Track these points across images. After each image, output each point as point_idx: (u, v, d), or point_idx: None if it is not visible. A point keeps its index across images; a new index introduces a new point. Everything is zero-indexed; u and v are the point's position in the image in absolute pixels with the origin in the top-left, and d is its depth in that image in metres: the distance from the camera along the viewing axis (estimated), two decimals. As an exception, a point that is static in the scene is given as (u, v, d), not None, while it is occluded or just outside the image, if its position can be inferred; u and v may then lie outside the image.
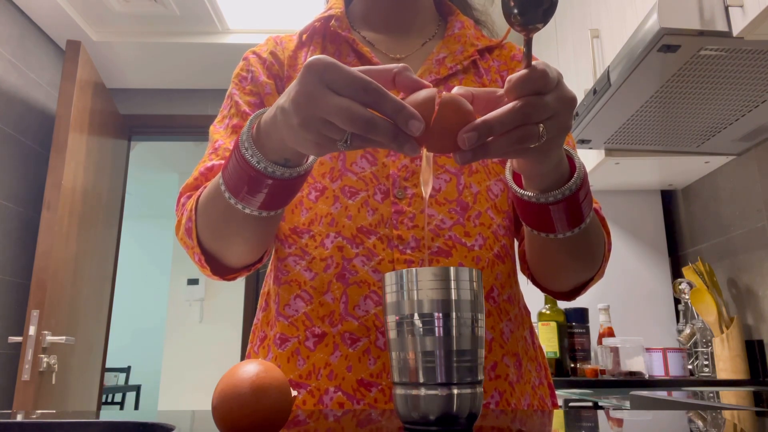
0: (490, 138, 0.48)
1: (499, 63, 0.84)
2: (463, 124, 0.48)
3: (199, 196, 0.69)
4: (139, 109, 3.33)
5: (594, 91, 1.63)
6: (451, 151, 0.49)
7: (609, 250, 0.75)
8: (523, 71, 0.48)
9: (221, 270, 0.73)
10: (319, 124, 0.48)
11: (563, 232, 0.61)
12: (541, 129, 0.49)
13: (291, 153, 0.55)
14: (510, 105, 0.48)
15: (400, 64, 0.50)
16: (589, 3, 1.98)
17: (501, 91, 0.51)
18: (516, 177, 0.64)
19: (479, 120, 0.47)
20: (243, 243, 0.67)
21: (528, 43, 0.49)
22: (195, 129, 3.32)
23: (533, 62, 0.49)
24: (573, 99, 0.51)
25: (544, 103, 0.48)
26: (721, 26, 1.24)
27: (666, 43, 1.28)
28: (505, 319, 0.73)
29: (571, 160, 0.60)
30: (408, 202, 0.71)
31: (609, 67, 1.53)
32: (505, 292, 0.75)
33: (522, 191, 0.60)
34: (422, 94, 0.48)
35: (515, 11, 0.48)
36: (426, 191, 0.52)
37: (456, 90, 0.50)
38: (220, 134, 0.78)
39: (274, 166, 0.56)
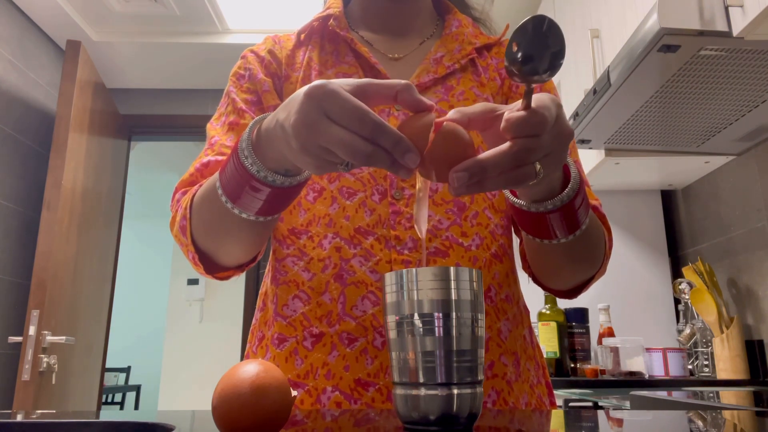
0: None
1: (498, 60, 0.84)
2: (459, 156, 0.47)
3: (195, 194, 0.69)
4: (139, 109, 3.33)
5: (594, 91, 1.63)
6: (445, 181, 0.48)
7: (610, 248, 0.75)
8: (522, 113, 0.46)
9: (214, 268, 0.72)
10: (319, 151, 0.48)
11: (560, 238, 0.61)
12: (538, 168, 0.48)
13: (291, 165, 0.55)
14: (505, 147, 0.47)
15: (404, 82, 0.49)
16: (589, 3, 1.98)
17: (499, 108, 0.50)
18: None
19: (473, 160, 0.47)
20: (237, 244, 0.67)
21: (529, 90, 0.47)
22: (195, 129, 3.31)
23: (538, 96, 0.48)
24: (569, 135, 0.50)
25: (540, 145, 0.47)
26: (721, 26, 1.24)
27: (666, 43, 1.28)
28: (503, 318, 0.73)
29: (565, 167, 0.60)
30: (405, 203, 0.71)
31: (609, 67, 1.53)
32: (503, 291, 0.75)
33: (516, 200, 0.60)
34: (420, 122, 0.48)
35: (519, 63, 0.45)
36: (421, 231, 0.51)
37: (451, 114, 0.49)
38: (216, 131, 0.78)
39: (274, 175, 0.55)
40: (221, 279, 0.74)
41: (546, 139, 0.47)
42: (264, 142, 0.55)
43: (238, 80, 0.81)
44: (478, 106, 0.50)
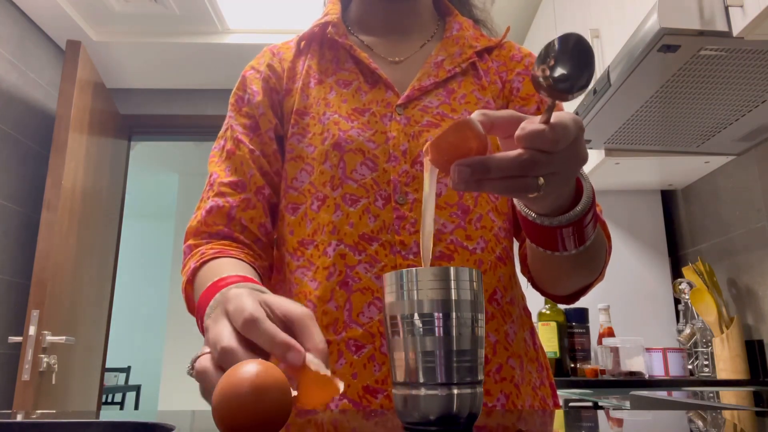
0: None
1: (498, 63, 0.83)
2: (469, 150, 0.47)
3: (194, 281, 0.69)
4: (139, 109, 3.33)
5: (594, 91, 1.63)
6: (448, 172, 0.48)
7: (609, 254, 0.74)
8: (540, 126, 0.46)
9: None
10: None
11: (567, 251, 0.60)
12: (541, 182, 0.47)
13: None
14: (514, 153, 0.46)
15: (298, 349, 0.46)
16: (589, 3, 1.98)
17: (525, 118, 0.49)
18: None
19: (478, 158, 0.46)
20: None
21: (552, 105, 0.46)
22: (195, 129, 3.32)
23: (560, 114, 0.47)
24: (583, 159, 0.50)
25: (549, 161, 0.47)
26: (721, 26, 1.24)
27: (666, 43, 1.28)
28: (509, 321, 0.73)
29: (578, 180, 0.59)
30: (409, 207, 0.71)
31: (609, 67, 1.53)
32: (508, 294, 0.74)
33: (526, 210, 0.58)
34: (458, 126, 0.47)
35: (555, 80, 0.44)
36: (426, 258, 0.51)
37: (475, 114, 0.49)
38: (215, 164, 0.80)
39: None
40: None
41: (557, 158, 0.47)
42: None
43: (236, 103, 0.82)
44: (505, 112, 0.49)
